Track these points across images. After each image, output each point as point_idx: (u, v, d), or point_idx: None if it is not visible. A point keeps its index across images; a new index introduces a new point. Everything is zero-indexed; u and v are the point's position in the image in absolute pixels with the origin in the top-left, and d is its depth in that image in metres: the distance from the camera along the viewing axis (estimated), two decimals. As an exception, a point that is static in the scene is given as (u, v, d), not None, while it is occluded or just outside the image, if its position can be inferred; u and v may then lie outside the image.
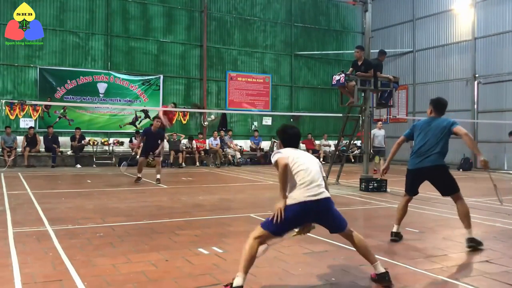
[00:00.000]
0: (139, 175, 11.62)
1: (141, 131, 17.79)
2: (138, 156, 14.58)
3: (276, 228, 3.68)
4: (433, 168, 5.27)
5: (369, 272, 3.99)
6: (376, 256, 3.93)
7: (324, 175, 3.97)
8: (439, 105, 5.52)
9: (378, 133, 15.06)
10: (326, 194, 3.78)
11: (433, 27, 19.66)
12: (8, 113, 16.45)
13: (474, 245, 5.10)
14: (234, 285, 3.51)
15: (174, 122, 18.46)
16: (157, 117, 13.75)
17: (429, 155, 5.28)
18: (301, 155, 3.90)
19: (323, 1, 22.28)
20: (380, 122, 15.53)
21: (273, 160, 3.78)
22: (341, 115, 12.58)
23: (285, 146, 3.98)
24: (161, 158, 12.41)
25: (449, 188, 5.34)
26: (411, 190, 5.53)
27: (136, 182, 11.44)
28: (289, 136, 4.02)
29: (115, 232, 5.75)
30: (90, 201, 8.38)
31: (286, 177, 3.70)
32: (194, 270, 4.20)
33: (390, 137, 16.32)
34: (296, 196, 3.70)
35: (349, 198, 9.37)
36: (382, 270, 3.82)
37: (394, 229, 5.51)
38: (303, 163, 3.81)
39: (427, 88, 19.85)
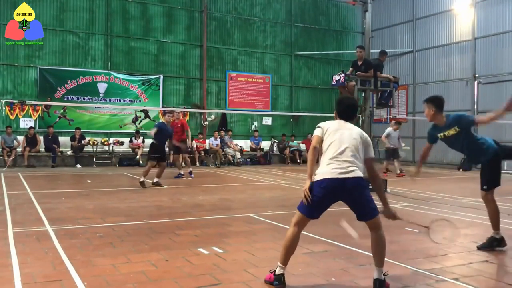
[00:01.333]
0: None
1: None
2: (138, 156, 14.72)
3: (306, 209, 3.71)
4: None
5: (369, 273, 3.97)
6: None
7: (372, 155, 3.83)
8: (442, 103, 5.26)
9: (394, 134, 14.96)
10: (356, 174, 3.63)
11: (433, 27, 19.66)
12: (8, 113, 16.45)
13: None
14: (276, 272, 3.76)
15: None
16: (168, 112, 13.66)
17: None
18: (342, 129, 3.81)
19: (323, 1, 22.27)
20: (393, 122, 15.51)
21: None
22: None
23: (339, 117, 3.98)
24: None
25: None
26: None
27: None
28: (342, 108, 3.98)
29: (115, 232, 5.75)
30: (90, 201, 8.38)
31: (313, 159, 3.74)
32: (194, 270, 4.20)
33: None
34: (323, 172, 3.66)
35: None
36: (380, 277, 3.70)
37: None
38: (339, 137, 3.73)
39: (427, 88, 19.83)
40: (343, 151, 3.69)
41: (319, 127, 3.88)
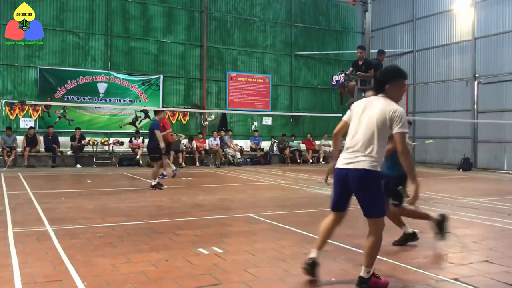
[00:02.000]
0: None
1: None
2: (138, 156, 14.61)
3: (330, 201, 3.87)
4: None
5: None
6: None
7: (398, 130, 3.47)
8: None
9: None
10: (359, 165, 3.51)
11: (433, 27, 19.65)
12: (8, 113, 16.45)
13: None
14: (309, 256, 3.90)
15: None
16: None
17: None
18: (366, 110, 3.68)
19: (323, 1, 22.27)
20: None
21: None
22: (341, 115, 12.55)
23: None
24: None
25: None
26: None
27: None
28: (375, 81, 4.06)
29: (115, 232, 5.75)
30: (90, 201, 8.38)
31: (335, 144, 4.00)
32: (194, 270, 4.20)
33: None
34: (338, 161, 3.75)
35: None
36: (364, 275, 3.67)
37: None
38: (357, 123, 3.69)
39: (427, 88, 19.84)
40: (355, 139, 3.66)
41: (350, 109, 3.89)
